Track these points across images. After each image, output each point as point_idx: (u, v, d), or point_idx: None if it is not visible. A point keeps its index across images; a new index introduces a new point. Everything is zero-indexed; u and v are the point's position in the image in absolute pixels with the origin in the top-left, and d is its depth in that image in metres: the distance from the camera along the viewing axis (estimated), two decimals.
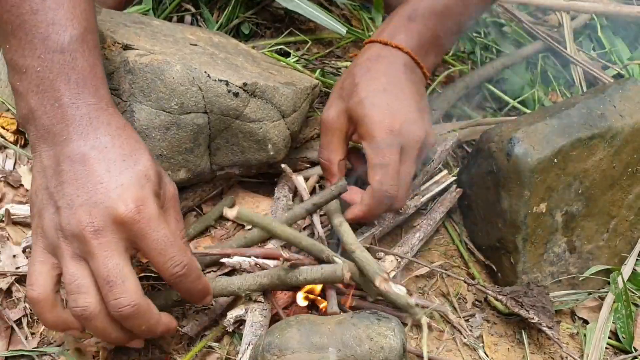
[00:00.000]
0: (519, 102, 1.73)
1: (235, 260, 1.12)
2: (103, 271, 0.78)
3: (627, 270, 1.31)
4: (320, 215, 1.24)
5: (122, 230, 0.78)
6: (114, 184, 0.79)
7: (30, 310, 1.06)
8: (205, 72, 1.15)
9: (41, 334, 1.04)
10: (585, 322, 1.27)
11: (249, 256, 1.11)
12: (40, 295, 0.84)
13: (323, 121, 1.17)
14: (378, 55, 1.13)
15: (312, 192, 1.35)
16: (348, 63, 1.74)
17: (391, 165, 1.05)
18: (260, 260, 1.10)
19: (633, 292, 1.31)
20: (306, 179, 1.34)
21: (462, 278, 1.22)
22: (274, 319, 1.07)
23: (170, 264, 0.81)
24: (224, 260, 1.14)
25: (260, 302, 1.04)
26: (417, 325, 1.14)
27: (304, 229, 1.27)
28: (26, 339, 1.03)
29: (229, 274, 1.18)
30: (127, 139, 0.88)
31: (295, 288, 1.06)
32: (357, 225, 1.23)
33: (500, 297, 1.17)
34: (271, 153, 1.27)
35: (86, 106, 0.87)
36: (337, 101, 1.15)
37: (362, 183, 1.19)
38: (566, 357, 1.16)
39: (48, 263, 0.85)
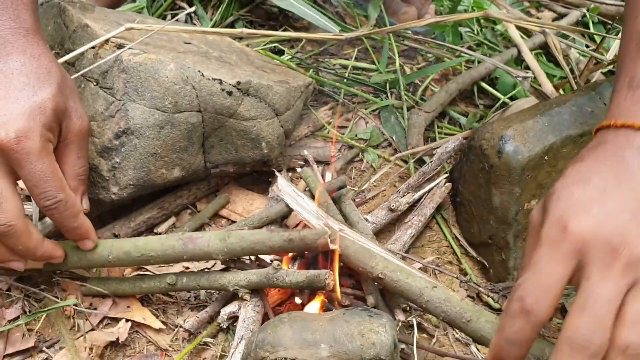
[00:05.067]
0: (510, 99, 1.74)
1: None
2: None
3: None
4: None
5: (2, 156, 0.80)
6: (3, 111, 0.80)
7: (29, 309, 1.07)
8: (199, 70, 1.16)
9: (37, 332, 1.05)
10: None
11: None
12: None
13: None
14: (599, 142, 0.79)
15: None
16: (342, 61, 1.75)
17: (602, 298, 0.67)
18: (261, 255, 1.11)
19: None
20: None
21: (455, 275, 1.23)
22: (267, 315, 1.08)
23: (42, 197, 0.83)
24: None
25: (253, 298, 1.06)
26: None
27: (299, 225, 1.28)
28: (23, 337, 1.04)
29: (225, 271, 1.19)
30: (37, 69, 0.87)
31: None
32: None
33: (492, 294, 1.19)
34: (265, 151, 1.28)
35: (2, 29, 0.88)
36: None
37: None
38: None
39: None
